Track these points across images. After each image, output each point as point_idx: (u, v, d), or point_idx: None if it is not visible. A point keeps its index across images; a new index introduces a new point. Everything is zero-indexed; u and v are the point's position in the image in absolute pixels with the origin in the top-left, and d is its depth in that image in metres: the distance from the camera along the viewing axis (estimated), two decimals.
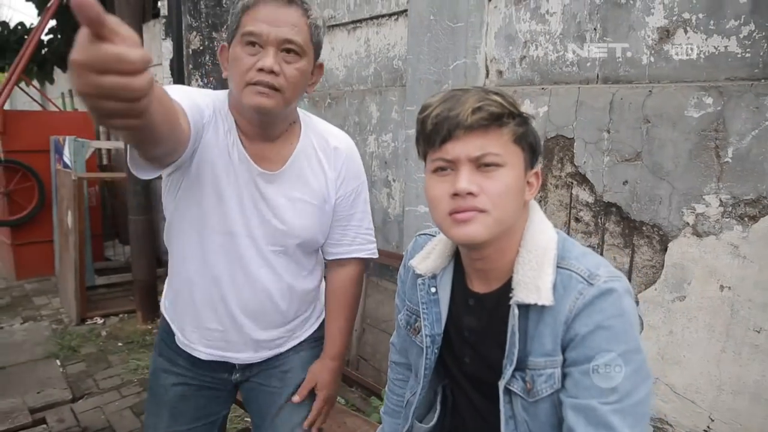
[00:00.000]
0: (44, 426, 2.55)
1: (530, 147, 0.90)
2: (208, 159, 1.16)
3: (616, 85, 1.87)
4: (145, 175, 1.07)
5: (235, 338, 1.29)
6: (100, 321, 3.94)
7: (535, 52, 2.14)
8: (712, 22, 1.67)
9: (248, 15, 1.10)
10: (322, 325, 1.44)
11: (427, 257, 1.06)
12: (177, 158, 1.09)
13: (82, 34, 0.54)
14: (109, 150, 5.07)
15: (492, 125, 0.84)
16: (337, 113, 3.04)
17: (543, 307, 0.87)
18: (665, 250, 1.76)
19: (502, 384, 0.91)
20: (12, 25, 7.68)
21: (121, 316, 4.02)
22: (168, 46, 3.62)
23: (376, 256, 1.42)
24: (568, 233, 2.00)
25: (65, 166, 4.48)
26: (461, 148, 0.84)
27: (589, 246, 1.93)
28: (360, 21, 2.98)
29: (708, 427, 1.71)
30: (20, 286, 4.74)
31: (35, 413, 2.61)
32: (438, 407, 1.11)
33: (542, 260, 0.89)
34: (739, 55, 1.62)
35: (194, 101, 1.10)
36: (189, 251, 1.23)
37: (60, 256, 4.25)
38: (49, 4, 5.14)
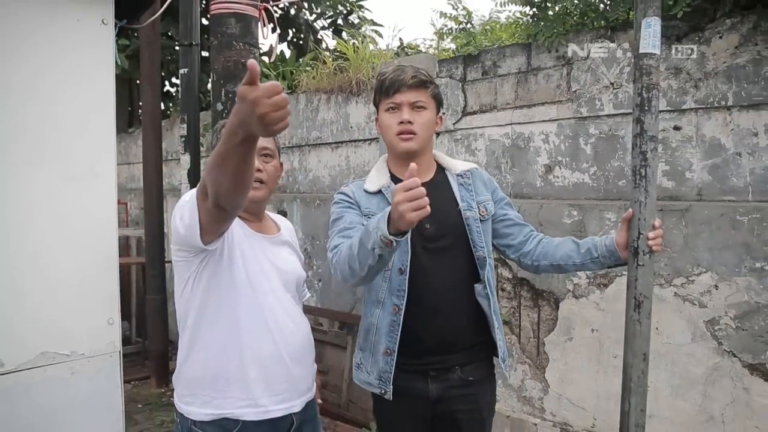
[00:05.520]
0: None
1: (439, 100, 1.56)
2: (236, 241, 1.45)
3: (521, 200, 2.85)
4: (207, 239, 1.31)
5: (294, 386, 1.51)
6: None
7: None
8: (574, 163, 2.68)
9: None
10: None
11: (373, 180, 1.59)
12: (225, 230, 1.37)
13: (244, 86, 0.94)
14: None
15: (421, 86, 1.48)
16: (324, 212, 3.94)
17: (468, 174, 1.60)
18: (558, 308, 2.68)
19: (471, 214, 1.55)
20: None
21: (134, 382, 4.63)
22: (186, 158, 4.47)
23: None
24: (498, 300, 2.91)
25: None
26: (404, 97, 1.47)
27: (510, 307, 2.85)
28: (341, 142, 3.94)
29: (593, 425, 2.58)
30: None
31: None
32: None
33: (450, 158, 1.67)
34: (590, 185, 2.63)
35: None
36: (239, 323, 1.44)
37: None
38: None
